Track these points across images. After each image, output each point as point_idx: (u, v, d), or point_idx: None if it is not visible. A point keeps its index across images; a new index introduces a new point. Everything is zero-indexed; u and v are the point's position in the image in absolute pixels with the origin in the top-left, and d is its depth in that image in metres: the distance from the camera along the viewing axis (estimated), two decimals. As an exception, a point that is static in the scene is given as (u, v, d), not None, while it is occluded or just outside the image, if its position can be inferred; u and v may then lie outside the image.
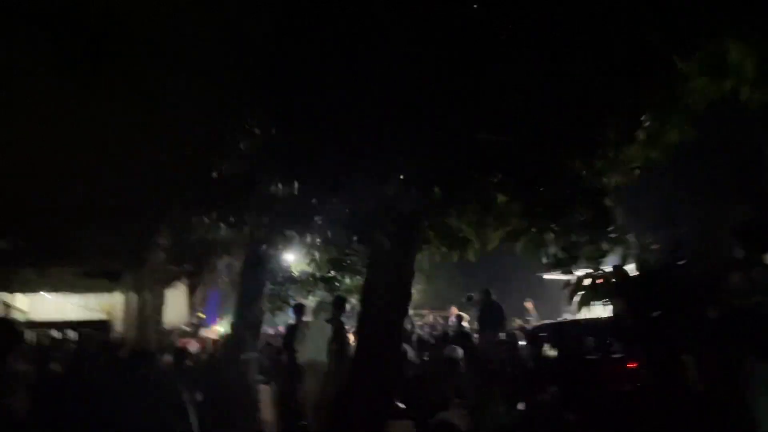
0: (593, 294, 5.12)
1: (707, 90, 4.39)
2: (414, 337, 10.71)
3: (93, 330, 10.59)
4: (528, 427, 5.55)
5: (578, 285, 5.04)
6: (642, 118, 4.73)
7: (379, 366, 4.92)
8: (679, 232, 8.64)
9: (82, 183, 5.30)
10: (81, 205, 5.91)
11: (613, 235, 5.25)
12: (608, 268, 5.23)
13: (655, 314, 3.13)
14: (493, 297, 10.42)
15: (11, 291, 11.12)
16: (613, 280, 5.17)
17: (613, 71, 4.38)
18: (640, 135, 4.78)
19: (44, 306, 12.43)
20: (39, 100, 3.62)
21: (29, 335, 10.44)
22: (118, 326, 10.84)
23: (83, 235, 7.23)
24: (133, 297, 9.17)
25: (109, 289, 11.27)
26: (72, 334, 10.37)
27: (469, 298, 10.77)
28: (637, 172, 5.32)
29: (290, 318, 10.25)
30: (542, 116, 4.52)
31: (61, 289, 11.61)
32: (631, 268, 5.08)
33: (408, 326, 13.33)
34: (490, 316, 10.11)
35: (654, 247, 6.98)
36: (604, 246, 5.23)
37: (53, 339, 10.16)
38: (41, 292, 11.93)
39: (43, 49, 2.95)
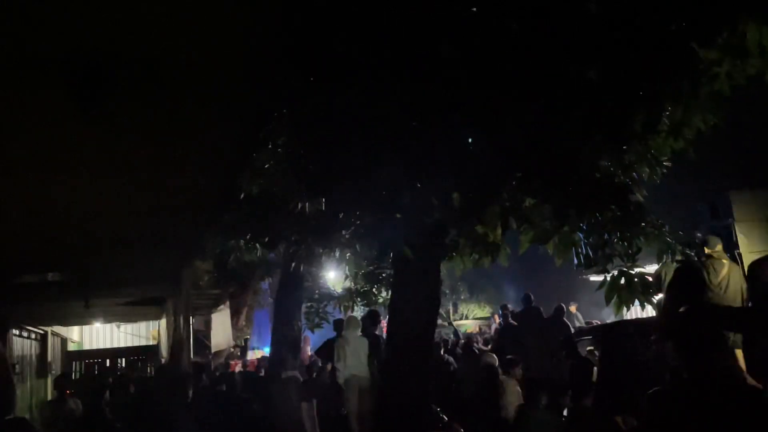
0: (630, 293, 4.96)
1: (731, 75, 4.24)
2: (456, 347, 10.59)
3: (140, 357, 10.86)
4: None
5: (613, 284, 4.89)
6: (666, 108, 4.60)
7: (411, 376, 4.87)
8: (720, 225, 8.35)
9: (122, 217, 5.47)
10: (122, 238, 6.09)
11: (647, 231, 5.10)
12: (651, 267, 5.07)
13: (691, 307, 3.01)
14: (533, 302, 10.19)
15: (65, 324, 11.52)
16: (649, 278, 5.01)
17: (635, 61, 4.27)
18: (665, 125, 4.63)
19: (96, 336, 12.83)
20: (72, 142, 3.75)
21: (78, 366, 10.84)
22: (163, 351, 11.09)
23: (126, 266, 7.44)
24: (177, 322, 9.37)
25: (155, 316, 11.55)
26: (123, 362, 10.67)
27: (503, 308, 10.59)
28: (668, 164, 5.16)
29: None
30: (565, 113, 4.43)
31: (110, 319, 11.96)
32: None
33: (452, 336, 13.23)
34: (531, 322, 9.88)
35: (696, 239, 6.74)
36: (638, 242, 5.07)
37: (102, 369, 10.48)
38: (93, 323, 12.33)
39: (63, 91, 3.05)
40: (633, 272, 4.98)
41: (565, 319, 9.79)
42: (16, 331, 8.59)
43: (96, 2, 2.18)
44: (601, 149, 4.81)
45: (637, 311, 7.65)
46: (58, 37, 2.33)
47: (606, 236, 5.31)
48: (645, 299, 4.95)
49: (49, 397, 9.03)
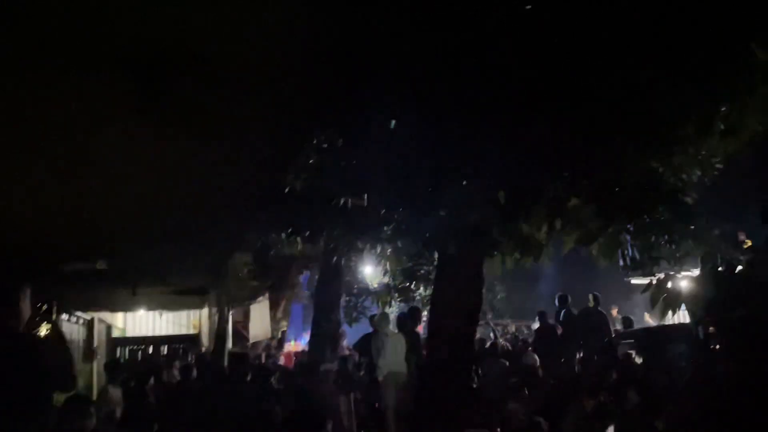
0: (678, 297, 4.86)
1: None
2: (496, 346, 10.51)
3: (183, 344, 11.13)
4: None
5: (659, 287, 4.80)
6: (721, 110, 4.48)
7: (451, 373, 4.87)
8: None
9: (168, 207, 5.62)
10: (168, 229, 6.25)
11: (696, 234, 4.99)
12: (696, 270, 4.95)
13: (738, 314, 2.93)
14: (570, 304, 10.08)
15: (109, 310, 11.87)
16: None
17: (690, 62, 4.19)
18: (719, 127, 4.52)
19: (139, 323, 13.17)
20: (124, 135, 3.89)
21: (123, 351, 11.16)
22: (204, 340, 11.32)
23: (172, 256, 7.63)
24: (219, 312, 9.57)
25: (197, 306, 11.80)
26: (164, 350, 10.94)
27: (541, 315, 10.46)
28: (719, 166, 5.04)
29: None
30: (616, 114, 4.37)
31: (153, 307, 12.25)
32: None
33: (491, 335, 13.16)
34: (571, 327, 9.77)
35: (744, 245, 6.56)
36: (686, 245, 4.96)
37: (145, 354, 10.77)
38: (137, 311, 12.67)
39: (121, 89, 3.16)
40: (680, 276, 4.88)
41: (600, 308, 9.67)
42: (65, 317, 8.88)
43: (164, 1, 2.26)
44: (650, 150, 4.73)
45: (681, 316, 7.48)
46: (128, 35, 2.42)
47: (653, 238, 5.22)
48: (691, 305, 4.84)
49: (95, 382, 9.33)
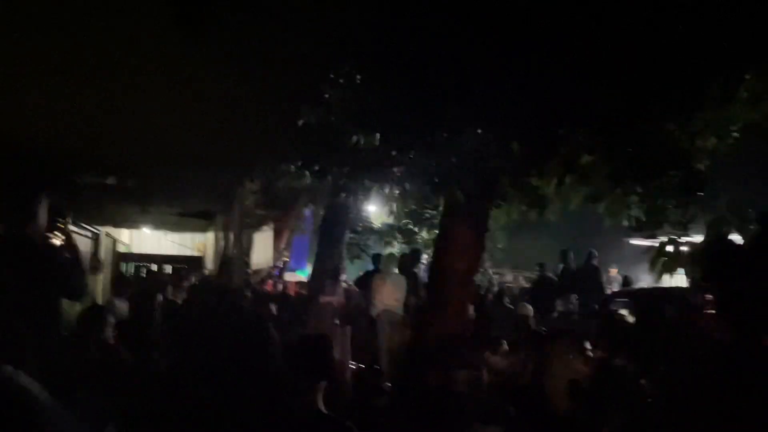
0: (676, 261, 4.94)
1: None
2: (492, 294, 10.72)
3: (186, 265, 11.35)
4: (597, 391, 5.49)
5: (660, 251, 4.87)
6: (746, 76, 4.42)
7: (449, 318, 5.01)
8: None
9: (183, 129, 5.62)
10: (181, 150, 6.27)
11: (704, 200, 5.00)
12: (699, 237, 5.01)
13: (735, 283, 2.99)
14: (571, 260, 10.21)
15: (116, 225, 12.06)
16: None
17: (717, 24, 4.09)
18: (743, 94, 4.46)
19: (144, 241, 13.39)
20: (150, 50, 3.86)
21: (128, 267, 11.40)
22: (209, 263, 11.53)
23: (182, 178, 7.68)
24: (224, 237, 9.71)
25: (202, 229, 11.97)
26: (168, 268, 11.17)
27: (540, 266, 10.61)
28: (736, 134, 5.00)
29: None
30: (640, 73, 4.31)
31: (159, 227, 12.43)
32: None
33: (486, 284, 13.38)
34: (569, 281, 9.94)
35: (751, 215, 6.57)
36: (693, 211, 5.00)
37: (150, 271, 10.99)
38: (142, 228, 12.86)
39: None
40: (682, 240, 4.94)
41: (594, 263, 9.82)
42: (74, 228, 9.03)
43: None
44: (670, 113, 4.69)
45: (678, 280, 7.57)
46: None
47: (661, 201, 5.25)
48: (690, 269, 4.92)
49: (101, 294, 9.57)
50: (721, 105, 4.57)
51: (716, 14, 4.03)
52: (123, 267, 11.83)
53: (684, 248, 4.90)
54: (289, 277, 15.72)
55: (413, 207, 8.32)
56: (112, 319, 4.27)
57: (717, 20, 4.05)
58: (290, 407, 2.65)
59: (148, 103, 4.80)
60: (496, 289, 11.25)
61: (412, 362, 5.33)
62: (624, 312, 8.62)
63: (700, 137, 4.92)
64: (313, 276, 9.59)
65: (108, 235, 11.26)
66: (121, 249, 12.46)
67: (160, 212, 9.92)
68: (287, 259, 15.02)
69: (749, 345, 2.76)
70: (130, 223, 11.68)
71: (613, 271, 12.75)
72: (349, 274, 13.94)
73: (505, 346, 6.73)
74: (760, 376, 2.69)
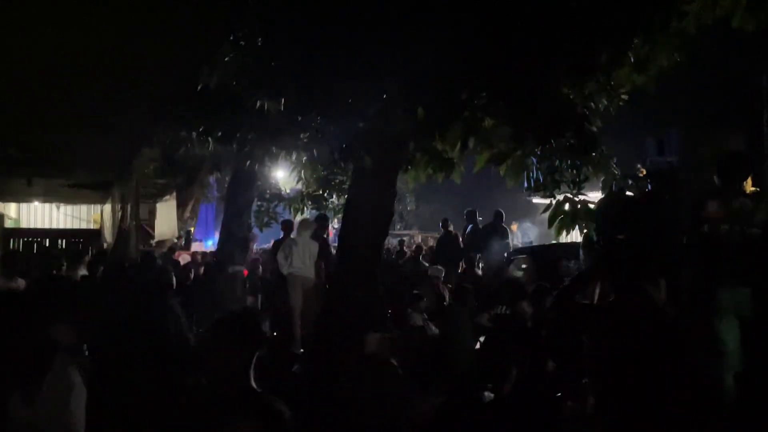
0: (572, 219, 5.21)
1: (700, 14, 4.31)
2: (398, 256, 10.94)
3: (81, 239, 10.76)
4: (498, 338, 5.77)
5: (557, 209, 5.11)
6: (633, 42, 4.66)
7: (361, 281, 5.06)
8: (667, 161, 8.72)
9: (73, 93, 5.24)
10: (71, 116, 5.86)
11: (596, 160, 5.29)
12: (592, 194, 5.32)
13: (621, 237, 3.21)
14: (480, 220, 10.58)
15: (2, 200, 11.19)
16: (591, 205, 5.25)
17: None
18: (630, 59, 4.72)
19: (35, 214, 12.54)
20: (29, 7, 3.54)
21: (17, 243, 10.65)
22: (107, 236, 10.98)
23: (72, 146, 7.20)
24: (122, 208, 9.25)
25: (98, 200, 11.34)
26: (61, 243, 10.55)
27: (444, 222, 10.95)
28: (625, 97, 5.30)
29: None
30: (534, 38, 4.43)
31: (51, 199, 11.66)
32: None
33: (395, 245, 13.62)
34: (475, 239, 10.30)
35: (639, 173, 7.05)
36: (586, 171, 5.28)
37: (42, 247, 10.34)
38: (33, 202, 12.02)
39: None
40: (577, 199, 5.21)
41: (504, 225, 10.27)
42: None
43: None
44: (564, 77, 4.88)
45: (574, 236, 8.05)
46: None
47: (557, 162, 5.50)
48: (585, 226, 5.21)
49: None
50: (610, 69, 4.81)
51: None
52: (11, 243, 11.04)
53: (579, 206, 5.17)
54: (197, 246, 15.31)
55: (323, 173, 8.26)
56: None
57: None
58: (211, 382, 2.53)
59: (29, 61, 4.41)
60: (414, 248, 11.50)
61: (325, 327, 5.36)
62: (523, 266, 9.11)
63: (591, 100, 5.16)
64: (221, 245, 9.36)
65: (-9, 209, 10.45)
66: (9, 224, 11.60)
67: (51, 184, 9.29)
68: (192, 229, 14.58)
69: (634, 297, 2.98)
70: (17, 196, 10.87)
71: (514, 227, 13.39)
72: (260, 242, 13.76)
73: (425, 302, 6.95)
74: (645, 329, 2.92)
